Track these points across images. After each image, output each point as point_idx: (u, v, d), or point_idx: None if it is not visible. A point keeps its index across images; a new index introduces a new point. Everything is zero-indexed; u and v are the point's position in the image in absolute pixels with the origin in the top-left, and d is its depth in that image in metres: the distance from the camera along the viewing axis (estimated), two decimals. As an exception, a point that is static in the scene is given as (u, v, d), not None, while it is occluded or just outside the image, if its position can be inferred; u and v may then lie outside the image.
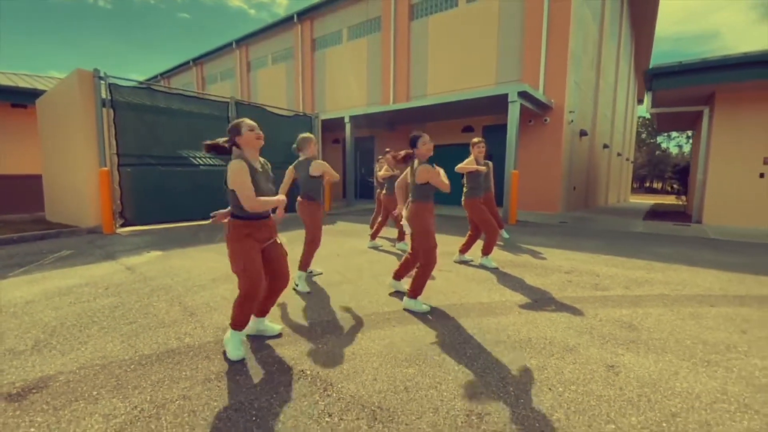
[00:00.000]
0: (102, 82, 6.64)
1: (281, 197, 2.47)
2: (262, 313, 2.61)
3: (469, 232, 4.81)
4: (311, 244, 3.75)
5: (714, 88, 8.26)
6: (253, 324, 2.61)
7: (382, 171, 5.74)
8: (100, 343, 2.56)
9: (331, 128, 14.12)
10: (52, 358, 2.36)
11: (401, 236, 5.70)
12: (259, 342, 2.56)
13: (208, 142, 2.31)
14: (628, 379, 2.13)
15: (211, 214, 2.37)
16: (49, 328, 2.79)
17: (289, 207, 3.61)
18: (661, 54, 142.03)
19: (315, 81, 17.42)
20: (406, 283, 3.50)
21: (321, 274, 4.23)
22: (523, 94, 8.69)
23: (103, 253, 5.21)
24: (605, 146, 16.67)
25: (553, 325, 2.85)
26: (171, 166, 7.66)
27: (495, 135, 11.45)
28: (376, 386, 2.04)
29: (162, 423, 1.75)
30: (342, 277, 4.14)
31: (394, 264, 4.79)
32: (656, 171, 55.18)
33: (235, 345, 2.37)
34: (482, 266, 4.58)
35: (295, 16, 17.17)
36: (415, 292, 3.12)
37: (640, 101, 25.56)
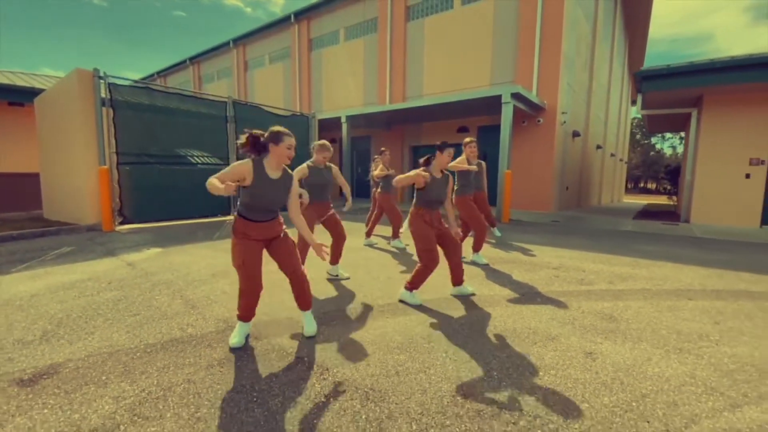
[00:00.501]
0: (101, 81, 6.72)
1: (224, 185, 2.18)
2: (303, 307, 2.64)
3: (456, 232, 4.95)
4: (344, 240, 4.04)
5: (702, 90, 8.47)
6: (306, 320, 2.65)
7: (377, 170, 5.88)
8: (106, 333, 2.68)
9: (328, 128, 14.23)
10: (61, 347, 2.48)
11: (396, 234, 5.84)
12: (258, 331, 2.69)
13: (255, 132, 2.41)
14: (604, 364, 2.28)
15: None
16: (55, 320, 2.91)
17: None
18: (657, 55, 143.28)
19: (312, 81, 17.53)
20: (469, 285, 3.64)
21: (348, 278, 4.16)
22: (516, 96, 8.86)
23: (104, 250, 5.31)
24: (598, 147, 16.90)
25: (537, 316, 3.01)
26: (169, 164, 7.76)
27: (489, 135, 11.64)
28: (369, 371, 2.18)
29: (169, 403, 1.89)
30: (341, 272, 4.27)
31: (389, 261, 4.94)
32: (650, 171, 55.70)
33: (235, 333, 2.51)
34: (473, 263, 4.73)
35: (293, 16, 17.27)
36: (412, 285, 3.26)
37: (634, 102, 25.86)
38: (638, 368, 2.25)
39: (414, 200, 3.30)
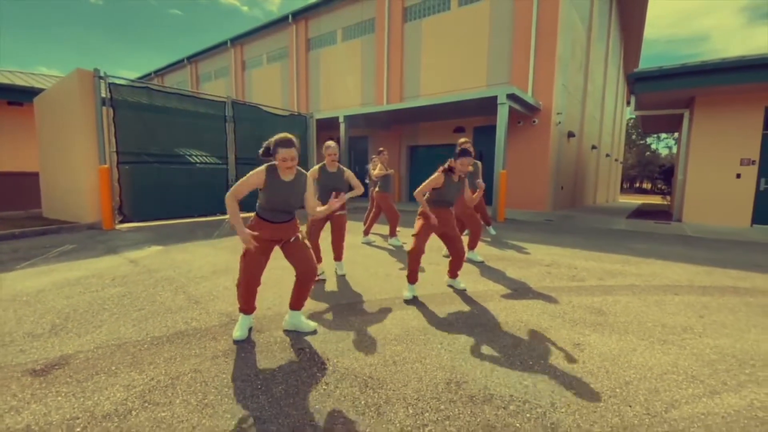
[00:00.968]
0: (102, 81, 6.79)
1: (241, 229, 2.41)
2: (295, 306, 2.70)
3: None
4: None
5: (694, 92, 8.62)
6: (289, 318, 2.72)
7: (376, 170, 5.98)
8: (113, 326, 2.77)
9: (326, 128, 14.32)
10: (70, 340, 2.57)
11: (393, 232, 5.95)
12: (260, 324, 2.79)
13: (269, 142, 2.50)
14: (591, 354, 2.40)
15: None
16: (62, 314, 2.99)
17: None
18: (653, 56, 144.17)
19: (309, 81, 17.61)
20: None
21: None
22: (511, 97, 8.99)
23: (106, 248, 5.39)
24: (593, 147, 17.08)
25: (529, 310, 3.12)
26: (168, 164, 7.83)
27: (485, 135, 11.77)
28: (368, 361, 2.29)
29: (177, 391, 1.98)
30: (345, 270, 4.38)
31: (386, 258, 5.04)
32: (646, 171, 56.05)
33: (238, 327, 2.62)
34: (469, 260, 4.84)
35: (290, 17, 17.34)
36: (410, 278, 3.39)
37: (629, 103, 26.08)
38: (623, 358, 2.36)
39: (426, 196, 3.42)
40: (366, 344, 2.51)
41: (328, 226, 4.18)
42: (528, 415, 1.81)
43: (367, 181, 6.54)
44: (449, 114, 11.96)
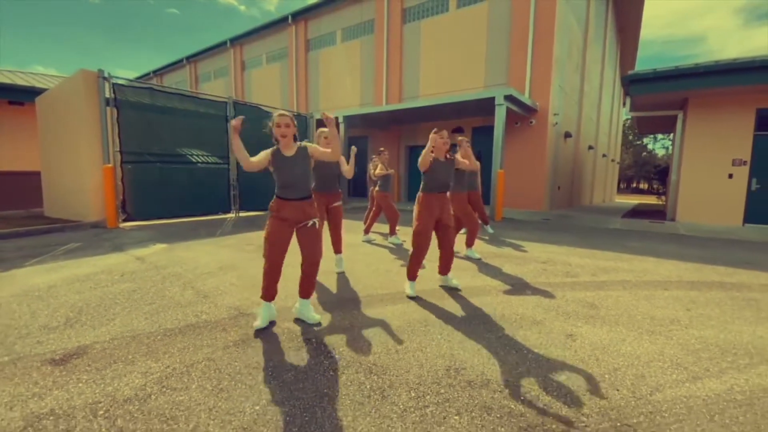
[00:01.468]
0: (106, 82, 6.89)
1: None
2: (302, 294, 2.85)
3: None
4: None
5: (687, 94, 8.79)
6: (298, 306, 2.88)
7: (377, 170, 6.10)
8: (126, 319, 2.89)
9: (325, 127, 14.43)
10: (85, 332, 2.68)
11: (393, 230, 6.08)
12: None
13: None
14: (582, 344, 2.54)
15: None
16: (76, 308, 3.11)
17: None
18: (650, 57, 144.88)
19: (309, 81, 17.72)
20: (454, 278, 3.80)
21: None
22: (509, 98, 9.14)
23: (111, 246, 5.49)
24: (590, 147, 17.26)
25: (524, 304, 3.26)
26: (171, 163, 7.93)
27: (483, 136, 11.92)
28: (372, 350, 2.42)
29: (193, 377, 2.11)
30: (345, 267, 4.50)
31: (387, 256, 5.17)
32: (642, 172, 56.36)
33: (259, 313, 2.78)
34: (467, 257, 4.98)
35: (290, 17, 17.44)
36: (410, 275, 3.48)
37: (626, 104, 26.28)
38: (613, 347, 2.50)
39: (421, 185, 3.46)
40: (369, 335, 2.64)
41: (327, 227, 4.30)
42: (522, 397, 1.94)
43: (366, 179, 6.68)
44: (448, 114, 12.10)
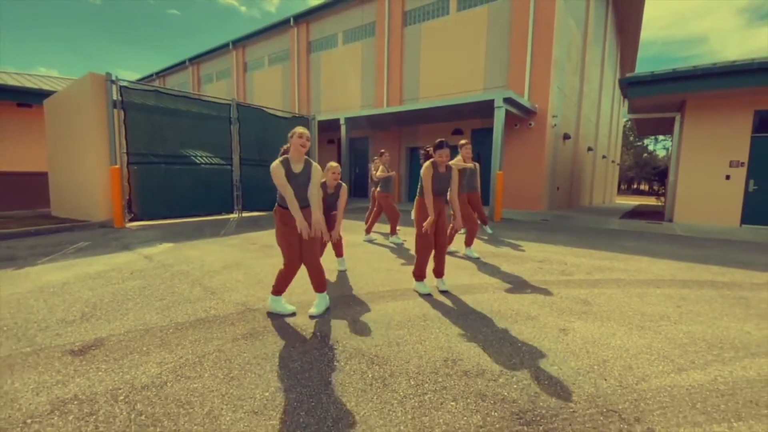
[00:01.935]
0: (113, 85, 7.04)
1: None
2: (317, 289, 3.08)
3: (451, 225, 5.33)
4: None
5: (685, 96, 8.90)
6: (317, 300, 3.11)
7: (378, 171, 6.23)
8: (138, 314, 3.02)
9: (327, 129, 14.60)
10: (101, 325, 2.82)
11: (393, 230, 6.21)
12: (273, 314, 3.05)
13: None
14: (574, 338, 2.66)
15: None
16: (90, 304, 3.24)
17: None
18: (650, 58, 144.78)
19: (310, 83, 17.88)
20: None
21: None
22: (508, 100, 9.27)
23: (120, 245, 5.64)
24: (589, 149, 17.37)
25: (520, 300, 3.39)
26: (175, 164, 8.08)
27: (483, 138, 12.05)
28: (373, 342, 2.55)
29: (205, 367, 2.24)
30: (347, 266, 4.63)
31: (387, 255, 5.30)
32: (643, 173, 56.35)
33: (280, 306, 3.01)
34: (466, 256, 5.11)
35: (292, 19, 17.61)
36: (418, 275, 3.60)
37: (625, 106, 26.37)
38: (603, 341, 2.63)
39: (418, 189, 3.59)
40: (371, 329, 2.77)
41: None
42: (515, 386, 2.07)
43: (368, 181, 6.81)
44: (448, 116, 12.23)
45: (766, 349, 2.58)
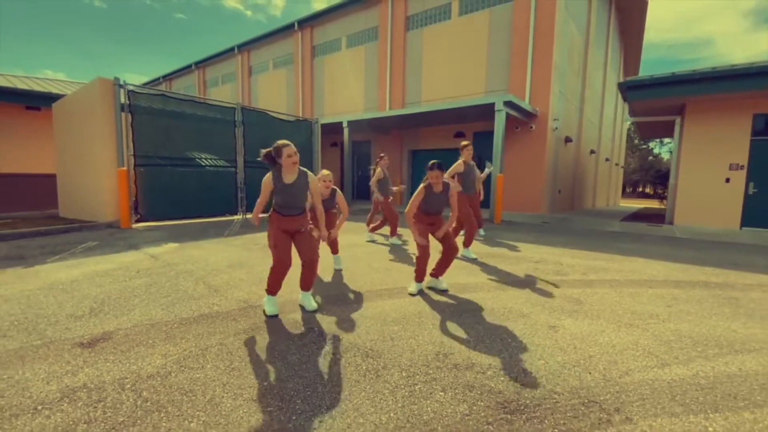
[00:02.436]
0: (121, 89, 7.22)
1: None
2: (304, 287, 3.19)
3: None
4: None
5: (684, 99, 8.96)
6: (301, 297, 3.24)
7: (375, 176, 6.34)
8: (144, 310, 3.15)
9: (330, 132, 14.75)
10: (108, 320, 2.94)
11: (393, 232, 6.32)
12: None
13: (267, 150, 3.03)
14: (563, 335, 2.75)
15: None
16: (98, 300, 3.37)
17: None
18: (655, 61, 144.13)
19: (314, 86, 18.07)
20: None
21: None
22: (508, 104, 9.36)
23: (126, 244, 5.78)
24: (592, 152, 17.40)
25: (513, 299, 3.48)
26: (181, 166, 8.25)
27: (485, 140, 12.13)
28: (369, 337, 2.65)
29: (207, 358, 2.35)
30: (343, 265, 4.75)
31: (387, 255, 5.40)
32: (648, 176, 56.03)
33: (269, 304, 3.08)
34: (464, 257, 5.20)
35: (296, 24, 17.83)
36: (417, 276, 3.69)
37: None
38: (591, 337, 2.71)
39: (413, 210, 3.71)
40: (367, 325, 2.87)
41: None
42: (502, 378, 2.16)
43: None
44: (449, 120, 12.34)
45: (750, 346, 2.65)
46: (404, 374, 2.19)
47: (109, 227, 7.33)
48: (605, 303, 3.44)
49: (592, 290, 3.80)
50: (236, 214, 9.36)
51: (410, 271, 4.46)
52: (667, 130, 13.99)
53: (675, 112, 10.08)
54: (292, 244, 3.10)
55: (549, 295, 3.64)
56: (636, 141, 55.00)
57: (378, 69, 15.31)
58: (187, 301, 3.36)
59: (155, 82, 28.89)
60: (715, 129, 8.90)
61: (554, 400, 1.96)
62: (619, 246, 6.36)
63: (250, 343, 2.56)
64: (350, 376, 2.16)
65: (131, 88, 7.39)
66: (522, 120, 11.19)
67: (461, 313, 3.15)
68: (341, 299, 3.47)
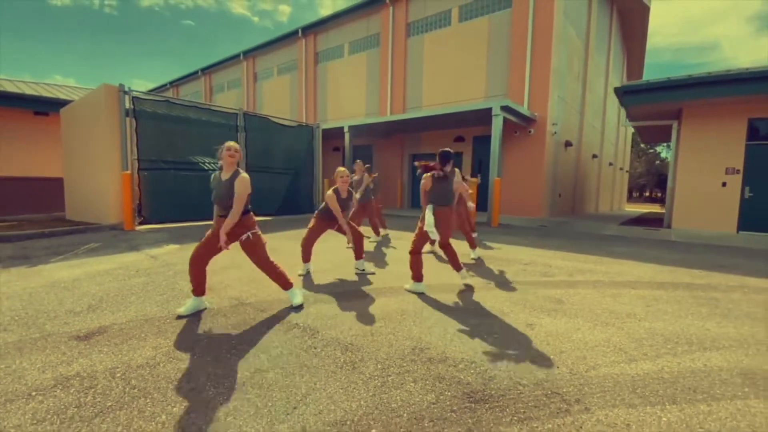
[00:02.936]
0: (126, 95, 7.45)
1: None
2: (284, 288, 3.32)
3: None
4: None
5: (681, 104, 9.01)
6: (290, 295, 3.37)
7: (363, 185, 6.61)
8: (140, 306, 3.29)
9: (332, 137, 14.95)
10: (105, 316, 3.09)
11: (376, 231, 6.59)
12: (264, 306, 3.29)
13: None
14: (539, 332, 2.84)
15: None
16: (97, 297, 3.53)
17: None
18: (660, 65, 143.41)
19: (317, 92, 18.33)
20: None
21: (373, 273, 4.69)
22: (505, 108, 9.48)
23: (128, 246, 5.97)
24: (594, 156, 17.41)
25: (497, 298, 3.58)
26: (184, 170, 8.45)
27: (484, 145, 12.24)
28: (350, 333, 2.77)
29: (196, 351, 2.48)
30: (332, 265, 4.88)
31: (372, 257, 5.51)
32: (655, 180, 55.65)
33: (189, 306, 3.17)
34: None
35: (300, 31, 18.13)
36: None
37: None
38: (566, 335, 2.81)
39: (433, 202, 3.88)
40: (350, 322, 2.99)
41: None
42: (472, 371, 2.27)
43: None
44: (449, 124, 12.48)
45: (720, 344, 2.73)
46: (379, 366, 2.30)
47: (112, 229, 7.54)
48: (585, 303, 3.52)
49: (574, 291, 3.89)
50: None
51: (395, 271, 4.57)
52: (665, 135, 14.00)
53: (672, 116, 10.12)
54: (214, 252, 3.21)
55: (532, 295, 3.73)
56: (643, 145, 54.72)
57: (379, 75, 15.52)
58: (182, 298, 3.50)
59: (162, 87, 29.40)
60: (711, 133, 8.93)
61: (518, 391, 2.06)
62: (612, 249, 6.42)
63: (237, 337, 2.69)
64: (328, 368, 2.28)
65: (135, 94, 7.62)
66: (520, 124, 11.29)
67: (443, 311, 3.25)
68: (327, 298, 3.59)
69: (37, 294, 3.60)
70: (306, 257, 4.47)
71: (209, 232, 3.20)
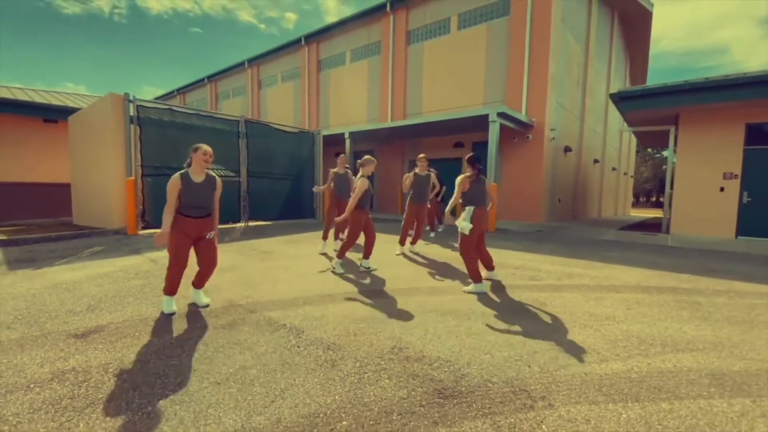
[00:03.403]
0: (131, 104, 7.68)
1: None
2: (197, 285, 3.49)
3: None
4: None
5: (678, 109, 9.06)
6: (193, 294, 3.52)
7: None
8: (137, 307, 3.44)
9: (334, 143, 15.14)
10: (102, 315, 3.24)
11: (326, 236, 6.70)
12: (254, 307, 3.42)
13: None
14: (517, 333, 2.94)
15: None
16: (96, 298, 3.68)
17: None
18: (667, 69, 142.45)
19: (320, 99, 18.60)
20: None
21: (375, 269, 5.01)
22: (502, 115, 9.59)
23: (130, 249, 6.14)
24: (596, 161, 17.42)
25: (480, 301, 3.67)
26: (186, 176, 8.63)
27: (483, 150, 12.31)
28: (334, 332, 2.89)
29: (185, 349, 2.61)
30: (324, 267, 5.00)
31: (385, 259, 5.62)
32: (661, 185, 55.14)
33: (166, 304, 3.32)
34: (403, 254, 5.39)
35: (303, 39, 18.44)
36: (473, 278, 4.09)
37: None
38: (543, 336, 2.89)
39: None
40: (335, 322, 3.11)
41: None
42: (446, 369, 2.37)
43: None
44: (448, 130, 12.60)
45: (694, 346, 2.80)
46: (357, 364, 2.41)
47: (116, 233, 7.74)
48: (567, 306, 3.61)
49: (559, 294, 3.97)
50: (239, 221, 9.72)
51: (384, 273, 4.68)
52: (663, 140, 13.99)
53: (670, 122, 10.16)
54: (189, 250, 3.31)
55: (516, 298, 3.82)
56: (649, 150, 54.35)
57: (380, 81, 15.73)
58: (177, 300, 3.62)
59: (170, 95, 29.91)
60: (709, 138, 8.96)
61: (487, 388, 2.16)
62: (605, 254, 6.47)
63: (225, 336, 2.82)
64: (308, 366, 2.40)
65: (140, 102, 7.85)
66: (518, 130, 11.39)
67: (425, 313, 3.36)
68: (314, 300, 3.72)
69: (40, 295, 3.76)
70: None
71: (173, 235, 3.20)
